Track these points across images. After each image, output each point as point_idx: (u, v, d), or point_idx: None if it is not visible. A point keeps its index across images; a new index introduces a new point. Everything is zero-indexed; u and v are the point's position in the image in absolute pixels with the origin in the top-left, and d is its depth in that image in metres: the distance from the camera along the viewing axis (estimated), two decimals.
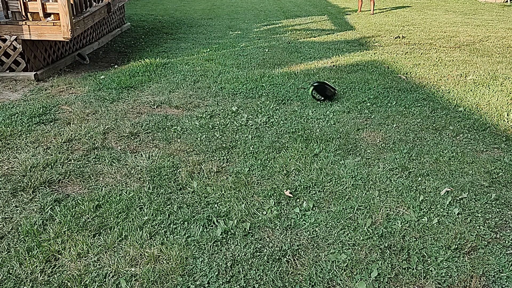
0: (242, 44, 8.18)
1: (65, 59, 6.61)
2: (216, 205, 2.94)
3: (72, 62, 6.81)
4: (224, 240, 2.59)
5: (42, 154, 3.61)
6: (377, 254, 2.48)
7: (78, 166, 3.43)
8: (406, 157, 3.62)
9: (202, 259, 2.44)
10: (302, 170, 3.41)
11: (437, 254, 2.48)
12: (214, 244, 2.55)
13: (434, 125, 4.30)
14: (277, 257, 2.45)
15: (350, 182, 3.23)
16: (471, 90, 5.33)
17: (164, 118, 4.41)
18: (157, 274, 2.32)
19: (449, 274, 2.34)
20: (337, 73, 6.08)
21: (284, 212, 2.88)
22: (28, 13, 5.54)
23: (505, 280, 2.31)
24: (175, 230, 2.68)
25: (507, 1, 14.70)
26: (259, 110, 4.64)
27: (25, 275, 2.31)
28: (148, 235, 2.63)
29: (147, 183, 3.20)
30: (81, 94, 5.19)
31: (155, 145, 3.85)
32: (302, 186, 3.17)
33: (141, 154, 3.64)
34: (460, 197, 3.05)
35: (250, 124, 4.28)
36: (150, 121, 4.31)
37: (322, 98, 4.92)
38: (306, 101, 4.96)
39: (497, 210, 2.91)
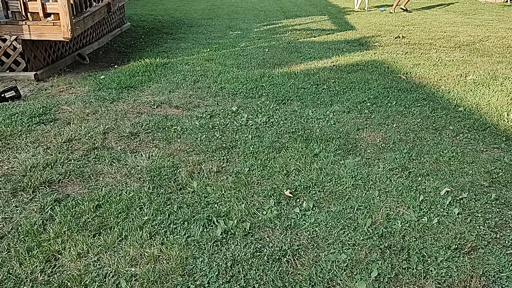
0: (242, 44, 8.18)
1: (65, 59, 6.61)
2: (216, 205, 2.94)
3: (72, 62, 6.81)
4: (224, 240, 2.59)
5: (42, 154, 3.62)
6: (377, 254, 2.48)
7: (78, 166, 3.43)
8: (406, 157, 3.62)
9: (202, 259, 2.44)
10: (302, 170, 3.41)
11: (437, 254, 2.48)
12: (214, 244, 2.55)
13: (434, 125, 4.30)
14: (277, 257, 2.45)
15: (350, 182, 3.23)
16: (471, 90, 5.33)
17: (164, 118, 4.41)
18: (157, 274, 2.32)
19: (449, 274, 2.34)
20: (337, 73, 6.08)
21: (284, 212, 2.88)
22: (28, 13, 5.54)
23: (505, 280, 2.31)
24: (175, 230, 2.68)
25: (507, 1, 14.70)
26: (259, 110, 4.64)
27: (25, 275, 2.31)
28: (148, 235, 2.63)
29: (147, 183, 3.20)
30: (81, 94, 5.19)
31: (155, 145, 3.85)
32: (302, 186, 3.17)
33: (141, 154, 3.64)
34: (460, 197, 3.05)
35: (250, 124, 4.28)
36: (150, 121, 4.31)
37: None
38: (306, 101, 4.96)
39: (497, 210, 2.91)
